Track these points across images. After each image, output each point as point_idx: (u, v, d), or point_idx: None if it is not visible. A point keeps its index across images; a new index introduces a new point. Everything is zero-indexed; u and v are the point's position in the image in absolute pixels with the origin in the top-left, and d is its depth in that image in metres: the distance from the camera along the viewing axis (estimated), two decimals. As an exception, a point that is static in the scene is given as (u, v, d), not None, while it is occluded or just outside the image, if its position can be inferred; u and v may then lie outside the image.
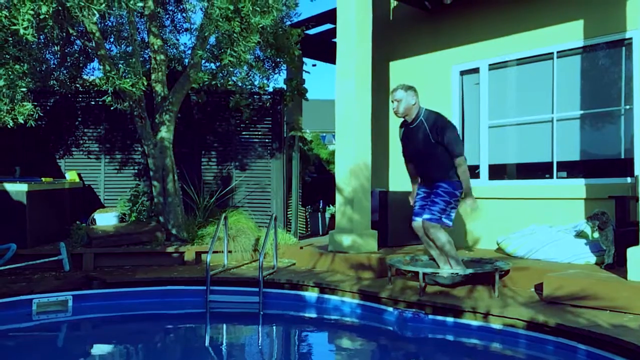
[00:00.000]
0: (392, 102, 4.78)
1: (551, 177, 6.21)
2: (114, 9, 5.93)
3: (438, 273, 4.76)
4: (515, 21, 6.44)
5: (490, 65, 6.70)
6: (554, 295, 4.25)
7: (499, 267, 4.74)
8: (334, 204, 7.02)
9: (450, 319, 4.29)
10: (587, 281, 4.20)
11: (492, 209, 6.47)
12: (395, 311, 4.57)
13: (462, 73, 7.01)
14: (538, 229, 5.68)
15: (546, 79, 6.25)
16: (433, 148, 4.68)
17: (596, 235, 5.05)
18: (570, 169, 6.19)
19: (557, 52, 6.14)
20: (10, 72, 4.63)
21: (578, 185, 5.88)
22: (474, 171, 6.82)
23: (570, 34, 6.01)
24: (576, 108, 6.04)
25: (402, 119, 4.89)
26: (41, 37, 6.92)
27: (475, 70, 6.84)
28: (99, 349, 4.51)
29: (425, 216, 4.69)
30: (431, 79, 7.11)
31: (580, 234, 5.41)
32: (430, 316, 4.38)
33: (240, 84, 6.76)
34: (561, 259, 5.25)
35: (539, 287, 4.66)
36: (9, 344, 4.47)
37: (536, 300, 4.40)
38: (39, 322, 4.83)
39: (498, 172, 6.74)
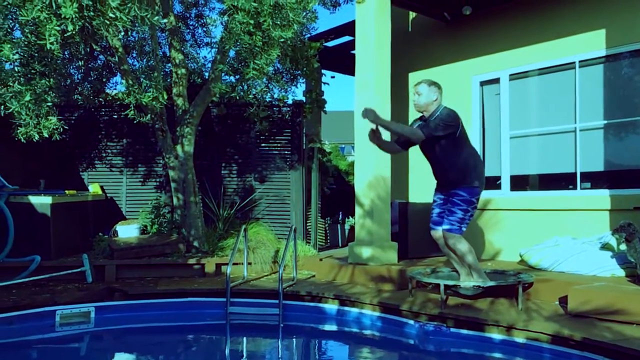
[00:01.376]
0: (414, 94, 4.62)
1: (575, 188, 6.11)
2: (137, 25, 6.05)
3: (460, 285, 4.71)
4: (535, 31, 6.39)
5: (510, 75, 6.66)
6: (579, 309, 4.17)
7: (523, 279, 4.67)
8: (353, 215, 7.01)
9: (472, 333, 4.23)
10: (614, 294, 4.11)
11: (514, 220, 6.39)
12: (417, 324, 4.52)
13: (482, 83, 6.97)
14: (562, 240, 5.59)
15: (568, 89, 6.18)
16: (445, 147, 4.48)
17: (623, 247, 4.95)
18: (594, 180, 6.09)
19: (579, 61, 6.07)
20: (36, 87, 4.74)
21: (602, 196, 5.78)
22: (495, 182, 6.76)
23: (592, 43, 5.94)
24: (600, 118, 5.95)
25: (421, 114, 4.71)
26: (66, 52, 7.06)
27: (496, 81, 6.80)
28: (120, 360, 4.55)
29: (445, 227, 4.62)
30: (451, 90, 7.07)
31: (605, 246, 5.30)
32: (452, 329, 4.32)
33: (260, 97, 6.81)
34: (586, 271, 5.15)
35: (563, 300, 4.57)
36: (33, 355, 4.53)
37: (561, 314, 4.31)
38: (62, 333, 4.88)
39: (520, 183, 6.67)
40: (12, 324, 4.71)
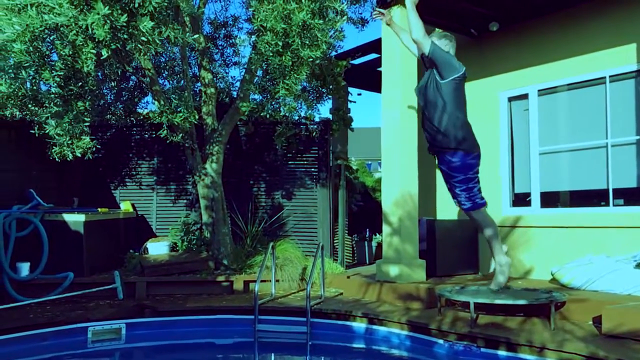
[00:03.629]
0: None
1: (607, 204, 5.99)
2: (167, 46, 6.22)
3: (489, 302, 4.64)
4: (564, 46, 6.33)
5: (539, 91, 6.59)
6: (614, 329, 4.06)
7: (555, 298, 4.57)
8: (380, 232, 6.98)
9: (503, 353, 4.15)
10: (650, 314, 3.99)
11: (545, 238, 6.28)
12: (446, 344, 4.46)
13: (510, 99, 6.91)
14: (595, 258, 5.47)
15: (599, 104, 6.09)
16: (437, 100, 4.31)
17: (658, 265, 4.82)
18: (628, 196, 5.96)
19: (610, 76, 5.98)
20: (74, 109, 4.90)
21: (636, 213, 5.64)
22: (525, 199, 6.67)
23: (622, 57, 5.85)
24: (632, 133, 5.84)
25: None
26: (99, 73, 7.28)
27: (524, 97, 6.74)
28: (150, 377, 4.60)
29: (463, 207, 4.52)
30: (478, 106, 7.05)
31: (640, 264, 5.17)
32: (483, 349, 4.25)
33: (288, 115, 6.89)
34: (620, 290, 5.02)
35: (597, 320, 4.46)
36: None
37: (595, 334, 4.21)
38: (93, 349, 4.96)
39: (550, 200, 6.56)
40: (45, 340, 4.81)
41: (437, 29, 4.48)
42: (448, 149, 4.36)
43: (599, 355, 3.66)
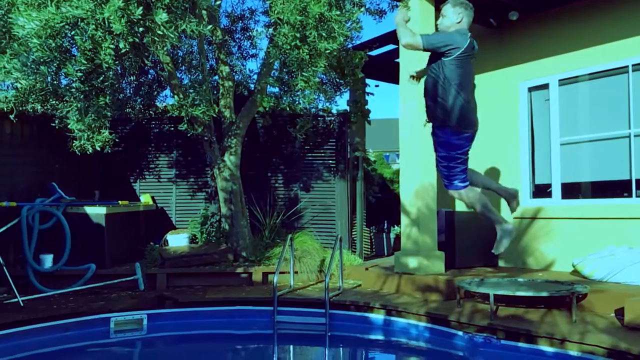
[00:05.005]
0: (440, 16, 4.22)
1: (630, 195, 5.89)
2: (184, 38, 6.24)
3: (510, 294, 4.60)
4: (585, 35, 6.22)
5: (560, 80, 6.49)
6: (636, 321, 4.01)
7: (577, 290, 4.53)
8: (398, 224, 6.96)
9: (524, 345, 4.13)
10: (674, 307, 3.94)
11: (567, 229, 6.21)
12: (466, 335, 4.45)
13: (531, 89, 6.82)
14: (617, 250, 5.39)
15: (621, 93, 5.98)
16: (439, 74, 4.06)
17: (682, 257, 4.74)
18: (651, 187, 5.86)
19: (632, 65, 5.87)
20: (95, 103, 4.97)
21: (660, 204, 5.55)
22: (545, 190, 6.59)
23: (646, 45, 5.74)
24: (656, 122, 5.73)
25: None
26: (118, 67, 7.35)
27: (545, 87, 6.64)
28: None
29: (443, 183, 4.24)
30: (498, 97, 6.97)
31: (664, 256, 5.09)
32: (503, 341, 4.23)
33: (307, 107, 6.88)
34: (644, 282, 4.95)
35: (619, 312, 4.41)
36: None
37: (617, 326, 4.16)
38: (116, 339, 5.05)
39: (572, 191, 6.47)
40: (68, 330, 4.91)
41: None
42: (435, 122, 4.16)
43: (621, 347, 3.62)
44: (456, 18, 4.03)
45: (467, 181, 4.13)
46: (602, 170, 6.31)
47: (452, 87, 4.01)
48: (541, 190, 6.71)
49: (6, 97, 5.94)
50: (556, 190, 6.46)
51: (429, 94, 4.18)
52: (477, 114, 4.19)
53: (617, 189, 6.16)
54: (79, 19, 4.29)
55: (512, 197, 4.35)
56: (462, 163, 4.07)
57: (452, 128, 4.00)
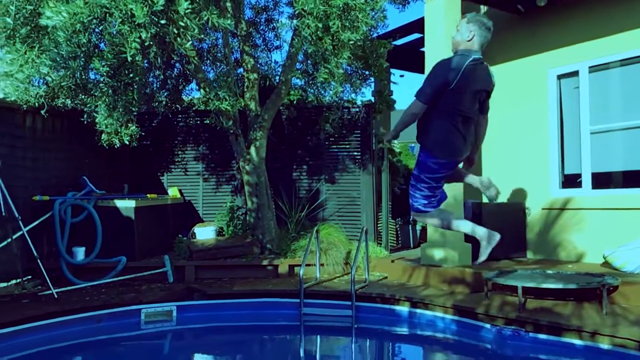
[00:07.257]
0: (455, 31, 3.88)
1: (664, 185, 5.74)
2: (207, 32, 6.27)
3: (538, 286, 4.54)
4: (616, 20, 6.05)
5: (590, 67, 6.33)
6: (671, 315, 3.92)
7: (607, 282, 4.44)
8: (425, 216, 6.90)
9: (553, 338, 4.08)
10: None
11: (597, 220, 6.08)
12: (493, 328, 4.41)
13: (560, 77, 6.67)
14: (650, 241, 5.27)
15: (655, 80, 5.81)
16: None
17: None
18: (686, 176, 5.70)
19: (667, 50, 5.70)
20: (123, 98, 5.04)
21: (696, 194, 5.39)
22: (575, 180, 6.46)
23: (681, 30, 5.55)
24: (691, 110, 5.56)
25: None
26: (144, 62, 7.43)
27: (574, 74, 6.49)
28: (201, 358, 4.73)
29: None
30: (526, 84, 6.84)
31: (700, 247, 4.95)
32: (532, 334, 4.18)
33: (332, 99, 6.86)
34: (678, 274, 4.83)
35: (653, 305, 4.32)
36: (121, 351, 4.81)
37: (650, 320, 4.07)
38: (146, 330, 5.14)
39: (603, 180, 6.33)
40: (100, 321, 5.02)
41: (472, 13, 3.89)
42: (418, 141, 3.85)
43: (655, 341, 3.55)
44: (467, 36, 3.71)
45: (429, 208, 3.89)
46: (633, 160, 6.15)
47: (442, 113, 3.67)
48: (570, 181, 6.58)
49: (37, 93, 6.07)
50: (586, 180, 6.32)
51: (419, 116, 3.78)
52: (468, 142, 3.77)
53: (650, 178, 6.00)
54: (107, 14, 4.35)
55: (485, 187, 4.03)
56: (428, 189, 3.82)
57: (429, 151, 3.71)
